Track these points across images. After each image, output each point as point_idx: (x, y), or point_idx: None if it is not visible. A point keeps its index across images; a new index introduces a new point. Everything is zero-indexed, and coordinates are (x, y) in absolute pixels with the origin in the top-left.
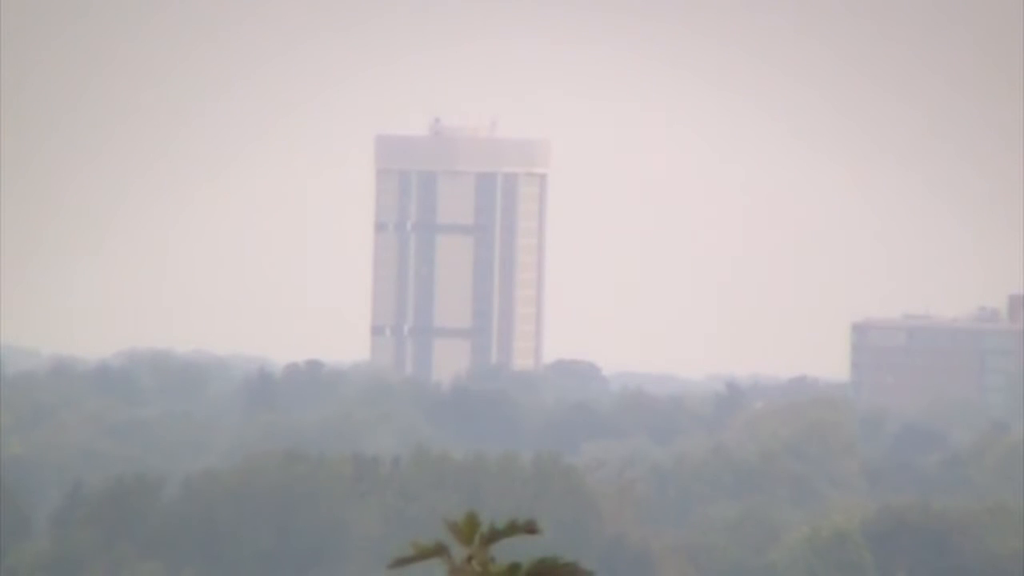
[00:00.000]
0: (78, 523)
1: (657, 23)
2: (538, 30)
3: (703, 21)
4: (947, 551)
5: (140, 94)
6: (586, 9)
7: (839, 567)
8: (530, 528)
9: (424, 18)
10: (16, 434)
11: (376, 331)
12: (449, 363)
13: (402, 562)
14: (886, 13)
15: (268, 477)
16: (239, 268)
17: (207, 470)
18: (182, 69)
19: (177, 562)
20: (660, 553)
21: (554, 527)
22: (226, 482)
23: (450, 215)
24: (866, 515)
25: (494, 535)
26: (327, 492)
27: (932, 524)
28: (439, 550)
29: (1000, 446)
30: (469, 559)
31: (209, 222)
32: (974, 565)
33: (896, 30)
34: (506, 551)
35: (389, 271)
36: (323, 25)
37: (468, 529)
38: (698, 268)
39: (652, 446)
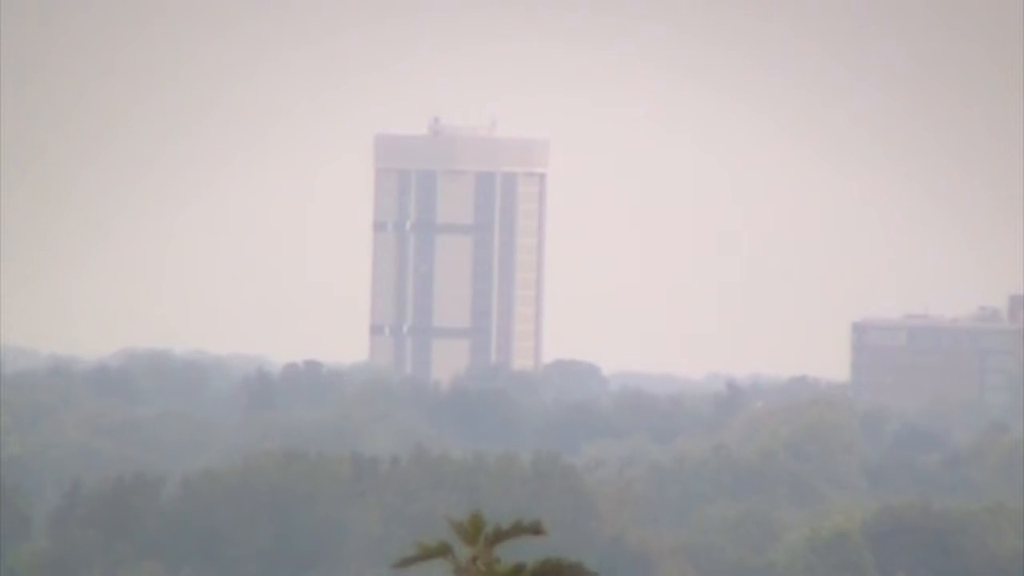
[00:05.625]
0: (77, 523)
1: (657, 23)
2: (538, 30)
3: (703, 22)
4: (947, 551)
5: (140, 94)
6: (586, 9)
7: (839, 567)
8: (535, 529)
9: (424, 18)
10: (15, 434)
11: (375, 331)
12: (448, 363)
13: (407, 562)
14: (884, 13)
15: (267, 477)
16: (238, 268)
17: (206, 470)
18: (181, 70)
19: (176, 562)
20: (660, 553)
21: (553, 527)
22: (225, 482)
23: (449, 215)
24: (866, 515)
25: (499, 536)
26: (326, 492)
27: (932, 524)
28: (444, 550)
29: (1000, 446)
30: (474, 559)
31: (208, 222)
32: (974, 565)
33: (896, 31)
34: (506, 551)
35: (388, 271)
36: (323, 25)
37: (473, 529)
38: (698, 268)
39: (652, 446)
